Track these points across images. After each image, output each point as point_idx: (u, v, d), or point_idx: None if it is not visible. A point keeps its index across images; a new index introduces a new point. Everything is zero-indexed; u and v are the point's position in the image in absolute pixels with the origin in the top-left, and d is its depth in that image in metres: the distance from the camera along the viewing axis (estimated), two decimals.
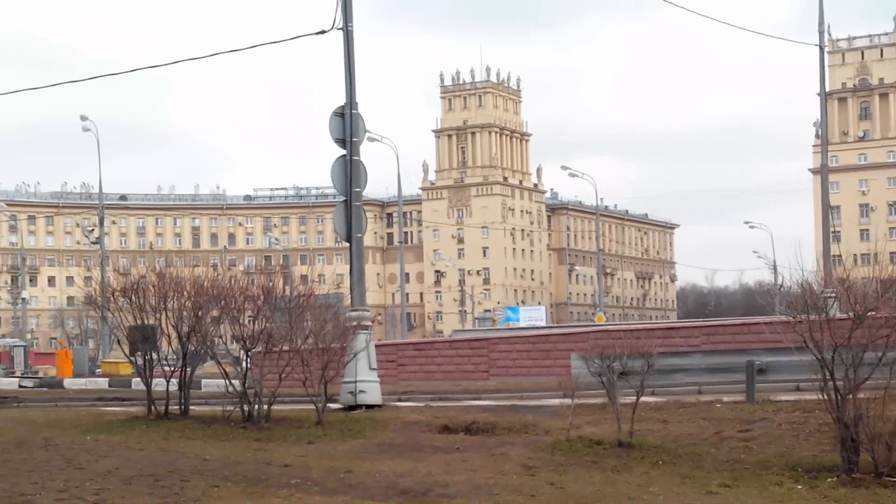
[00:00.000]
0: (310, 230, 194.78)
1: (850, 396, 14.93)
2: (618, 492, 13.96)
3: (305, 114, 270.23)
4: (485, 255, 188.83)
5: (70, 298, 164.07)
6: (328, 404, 23.40)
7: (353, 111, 26.55)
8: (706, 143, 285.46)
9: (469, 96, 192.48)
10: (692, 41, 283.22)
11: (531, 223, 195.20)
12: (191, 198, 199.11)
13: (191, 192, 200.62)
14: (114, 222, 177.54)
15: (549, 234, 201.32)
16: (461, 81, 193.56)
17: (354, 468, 16.02)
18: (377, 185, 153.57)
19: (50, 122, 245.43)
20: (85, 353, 69.70)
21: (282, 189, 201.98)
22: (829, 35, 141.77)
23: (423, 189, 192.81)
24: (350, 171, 26.43)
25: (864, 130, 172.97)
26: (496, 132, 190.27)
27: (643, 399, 19.00)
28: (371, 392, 25.72)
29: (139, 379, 26.89)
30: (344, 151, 26.60)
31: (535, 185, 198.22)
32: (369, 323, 26.55)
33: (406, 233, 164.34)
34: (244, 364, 23.49)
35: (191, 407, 23.93)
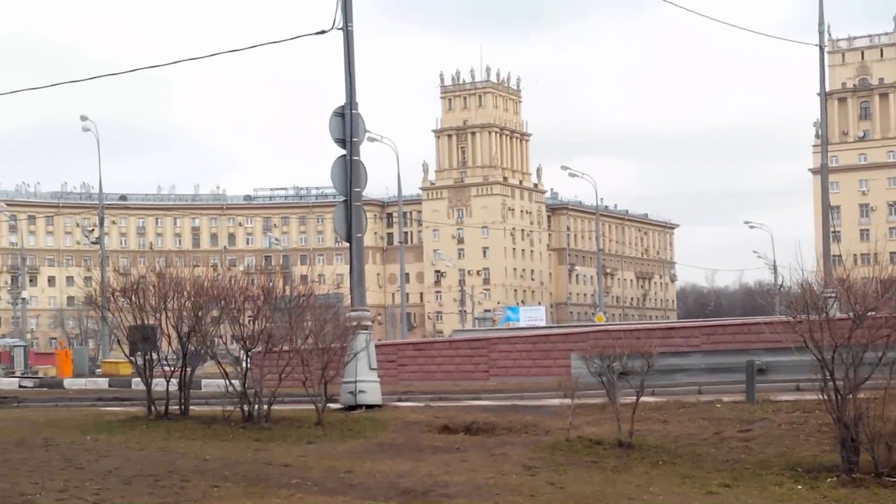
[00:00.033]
0: (310, 230, 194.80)
1: (851, 396, 14.92)
2: (618, 492, 13.95)
3: (305, 114, 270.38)
4: (485, 255, 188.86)
5: (70, 298, 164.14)
6: (328, 404, 23.40)
7: (353, 111, 26.55)
8: (706, 143, 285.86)
9: (469, 96, 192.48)
10: (692, 41, 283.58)
11: (531, 223, 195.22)
12: (191, 198, 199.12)
13: (191, 193, 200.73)
14: (114, 222, 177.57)
15: (549, 235, 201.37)
16: (461, 81, 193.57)
17: (355, 468, 16.02)
18: (377, 186, 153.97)
19: (50, 122, 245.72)
20: (85, 353, 69.71)
21: (282, 189, 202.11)
22: (829, 35, 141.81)
23: (423, 189, 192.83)
24: (350, 172, 26.44)
25: (864, 130, 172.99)
26: (496, 132, 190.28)
27: (643, 399, 19.00)
28: (371, 392, 25.73)
29: (139, 379, 26.90)
30: (344, 151, 26.60)
31: (535, 186, 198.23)
32: (369, 323, 26.55)
33: (406, 233, 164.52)
34: (244, 364, 23.51)
35: (191, 407, 23.94)
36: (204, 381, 34.10)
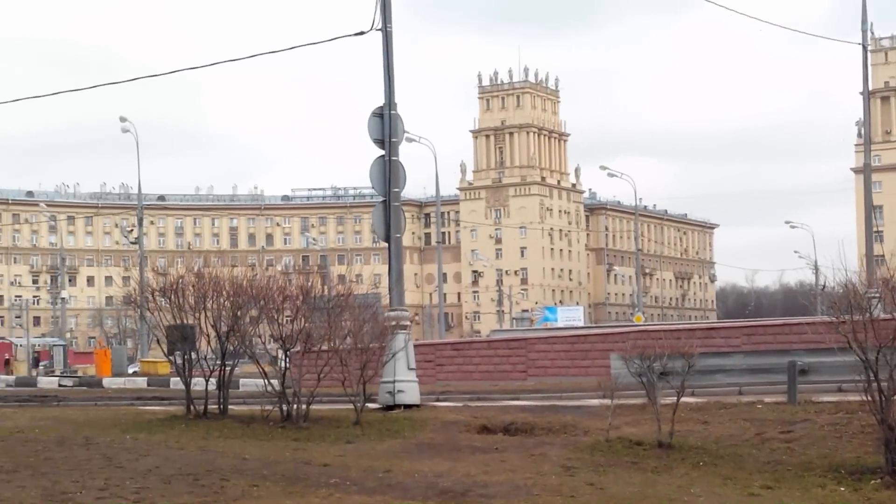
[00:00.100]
0: (347, 230, 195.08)
1: (895, 398, 14.78)
2: (658, 493, 13.86)
3: (343, 114, 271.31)
4: (522, 255, 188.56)
5: (108, 298, 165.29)
6: (367, 404, 23.42)
7: (392, 112, 26.54)
8: (746, 142, 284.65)
9: (507, 96, 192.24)
10: (732, 40, 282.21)
11: (569, 223, 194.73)
12: (229, 198, 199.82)
13: (229, 193, 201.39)
14: (152, 223, 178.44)
15: (588, 235, 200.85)
16: (499, 82, 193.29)
17: (393, 468, 16.00)
18: (415, 186, 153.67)
19: (89, 124, 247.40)
20: (124, 352, 70.07)
21: (319, 189, 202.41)
22: (872, 33, 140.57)
23: (460, 189, 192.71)
24: (389, 172, 26.43)
25: None
26: (534, 132, 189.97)
27: (683, 400, 18.88)
28: (409, 392, 25.72)
29: (177, 378, 26.97)
30: (383, 152, 26.60)
31: (574, 186, 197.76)
32: (408, 323, 26.56)
33: (444, 233, 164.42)
34: (283, 364, 23.53)
35: (229, 406, 24.00)
36: (242, 381, 34.14)
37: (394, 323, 25.34)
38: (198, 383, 24.62)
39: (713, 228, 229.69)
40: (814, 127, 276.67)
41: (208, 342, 24.37)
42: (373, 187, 27.42)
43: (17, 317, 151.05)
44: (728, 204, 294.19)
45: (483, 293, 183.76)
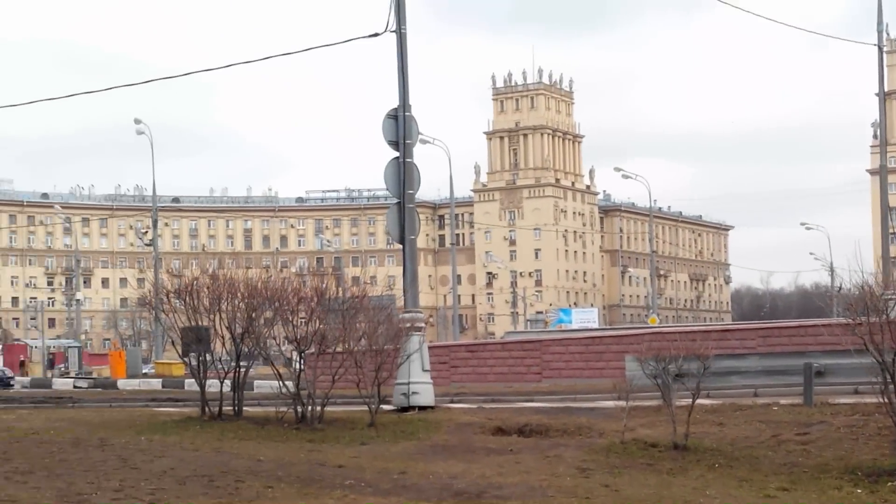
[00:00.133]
0: (361, 232, 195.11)
1: None
2: (673, 495, 13.82)
3: (357, 116, 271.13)
4: (537, 256, 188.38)
5: (123, 300, 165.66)
6: (381, 406, 23.42)
7: (407, 114, 26.54)
8: (761, 144, 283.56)
9: (521, 98, 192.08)
10: (746, 41, 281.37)
11: (583, 225, 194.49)
12: (243, 200, 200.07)
13: (243, 195, 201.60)
14: (167, 224, 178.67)
15: (602, 236, 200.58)
16: (513, 83, 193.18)
17: (408, 469, 15.99)
18: (429, 188, 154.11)
19: (104, 126, 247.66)
20: (138, 354, 70.14)
21: (333, 191, 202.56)
22: (888, 34, 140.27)
23: (474, 191, 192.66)
24: (403, 174, 26.43)
25: None
26: (548, 134, 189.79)
27: (698, 401, 18.83)
28: (424, 393, 25.71)
29: (192, 380, 27.00)
30: (397, 153, 26.60)
31: (588, 187, 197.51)
32: (423, 325, 26.54)
33: (458, 235, 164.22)
34: (297, 365, 23.54)
35: (244, 408, 24.00)
36: (256, 383, 34.21)
37: (408, 325, 25.33)
38: (212, 385, 24.64)
39: (728, 230, 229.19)
40: (829, 128, 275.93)
41: (223, 344, 24.40)
42: (387, 189, 27.42)
43: (32, 318, 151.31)
44: (743, 205, 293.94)
45: (497, 295, 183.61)
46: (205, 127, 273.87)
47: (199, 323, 24.35)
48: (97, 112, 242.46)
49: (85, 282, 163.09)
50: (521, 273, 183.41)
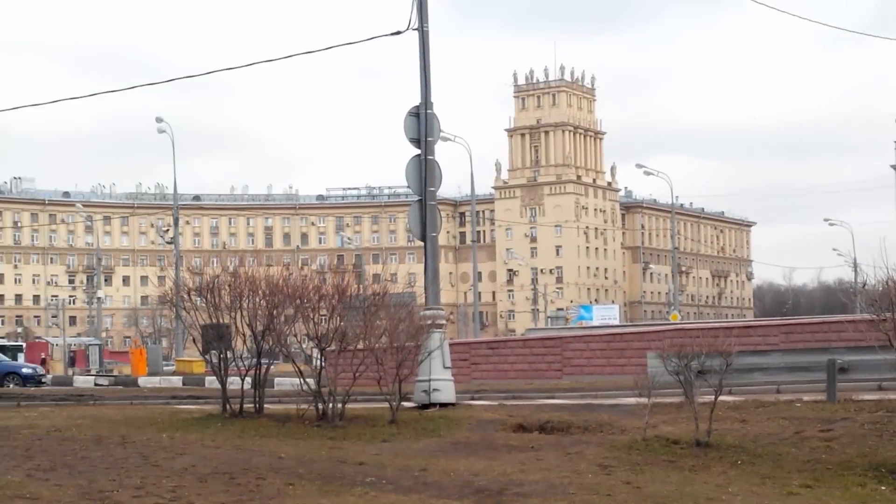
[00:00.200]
0: (382, 229, 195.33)
1: None
2: (696, 492, 13.74)
3: (378, 113, 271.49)
4: (558, 253, 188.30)
5: (144, 298, 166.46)
6: (402, 403, 23.39)
7: (428, 111, 26.51)
8: (784, 140, 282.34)
9: (543, 95, 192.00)
10: (770, 37, 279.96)
11: (605, 221, 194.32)
12: (264, 198, 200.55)
13: (264, 193, 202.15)
14: (187, 222, 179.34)
15: (623, 233, 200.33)
16: (535, 80, 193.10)
17: (429, 466, 15.95)
18: (450, 185, 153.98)
19: (125, 125, 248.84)
20: (159, 351, 70.42)
21: (354, 189, 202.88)
22: None
23: (495, 188, 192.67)
24: (425, 171, 26.40)
25: None
26: (570, 131, 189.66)
27: (720, 398, 18.73)
28: (445, 390, 25.67)
29: (213, 377, 27.01)
30: (419, 151, 26.56)
31: (609, 184, 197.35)
32: (444, 322, 26.51)
33: (479, 232, 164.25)
34: (318, 362, 23.52)
35: (265, 405, 24.01)
36: (277, 380, 34.26)
37: (429, 322, 25.30)
38: (233, 382, 24.67)
39: (750, 226, 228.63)
40: (852, 124, 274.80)
41: (244, 341, 24.41)
42: (409, 186, 27.39)
43: (53, 316, 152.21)
44: (765, 201, 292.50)
45: (518, 292, 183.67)
46: (226, 125, 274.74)
47: (220, 320, 24.36)
48: (119, 111, 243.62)
49: (106, 280, 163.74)
50: (541, 270, 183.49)
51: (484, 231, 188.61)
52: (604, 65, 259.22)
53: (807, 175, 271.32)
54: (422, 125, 26.42)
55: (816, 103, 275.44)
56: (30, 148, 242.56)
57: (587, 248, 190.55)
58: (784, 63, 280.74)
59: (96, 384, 48.03)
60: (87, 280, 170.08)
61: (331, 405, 22.29)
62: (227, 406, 23.76)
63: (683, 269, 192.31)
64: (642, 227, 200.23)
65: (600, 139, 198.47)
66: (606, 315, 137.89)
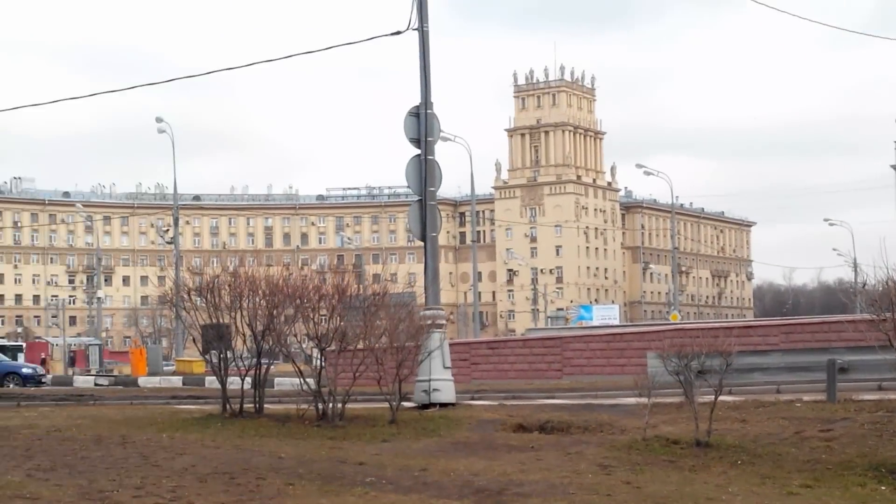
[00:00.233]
0: (382, 229, 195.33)
1: None
2: (696, 492, 13.74)
3: (378, 113, 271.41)
4: (558, 253, 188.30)
5: (144, 298, 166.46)
6: (402, 403, 23.39)
7: (428, 111, 26.50)
8: (784, 140, 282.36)
9: (543, 95, 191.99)
10: (770, 37, 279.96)
11: (605, 221, 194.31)
12: (264, 198, 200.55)
13: (264, 193, 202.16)
14: (187, 222, 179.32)
15: (623, 233, 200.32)
16: (535, 80, 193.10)
17: (429, 466, 15.95)
18: (450, 185, 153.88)
19: (125, 125, 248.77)
20: (159, 351, 70.43)
21: (354, 189, 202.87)
22: None
23: (495, 188, 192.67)
24: (425, 171, 26.40)
25: None
26: (570, 131, 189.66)
27: (720, 398, 18.73)
28: (445, 390, 25.67)
29: (213, 377, 27.01)
30: (418, 151, 26.56)
31: (609, 184, 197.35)
32: (444, 322, 26.51)
33: (479, 232, 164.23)
34: (318, 362, 23.52)
35: (265, 405, 24.01)
36: (277, 380, 34.25)
37: (429, 322, 25.30)
38: (233, 382, 24.67)
39: (750, 226, 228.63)
40: (852, 124, 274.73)
41: (244, 341, 24.41)
42: (409, 186, 27.38)
43: (53, 316, 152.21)
44: (765, 201, 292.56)
45: (518, 292, 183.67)
46: (226, 125, 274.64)
47: (220, 320, 24.36)
48: (119, 111, 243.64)
49: (106, 280, 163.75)
50: (541, 270, 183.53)
51: (484, 231, 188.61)
52: (604, 65, 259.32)
53: (807, 175, 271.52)
54: (422, 125, 26.42)
55: (816, 103, 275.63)
56: (30, 148, 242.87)
57: (587, 248, 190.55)
58: (784, 63, 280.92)
59: (96, 384, 48.03)
60: (87, 280, 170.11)
61: (331, 405, 22.29)
62: (227, 406, 23.76)
63: (683, 269, 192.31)
64: (642, 227, 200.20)
65: (600, 139, 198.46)
66: (606, 315, 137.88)
